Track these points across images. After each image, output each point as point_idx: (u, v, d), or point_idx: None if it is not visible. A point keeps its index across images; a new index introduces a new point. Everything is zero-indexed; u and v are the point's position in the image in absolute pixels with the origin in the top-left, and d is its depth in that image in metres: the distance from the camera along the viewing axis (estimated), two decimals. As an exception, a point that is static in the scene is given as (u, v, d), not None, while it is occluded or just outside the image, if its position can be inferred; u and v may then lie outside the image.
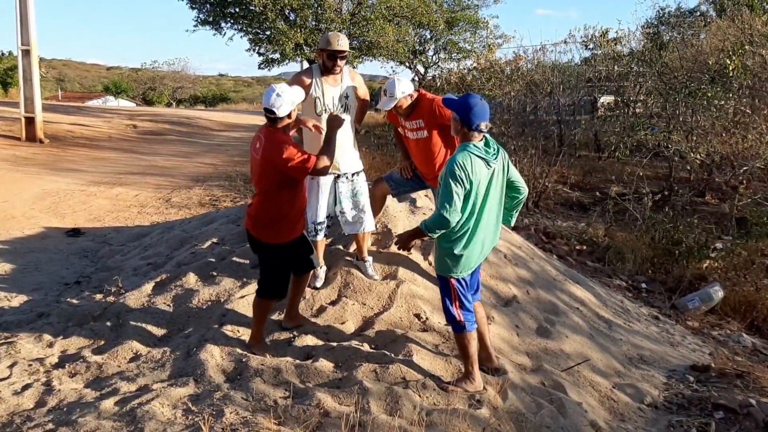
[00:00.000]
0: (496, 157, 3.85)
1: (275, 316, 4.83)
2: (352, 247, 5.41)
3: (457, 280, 3.93)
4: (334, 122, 4.32)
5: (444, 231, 3.79)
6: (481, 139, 3.83)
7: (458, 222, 3.79)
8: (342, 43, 4.74)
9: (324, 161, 4.12)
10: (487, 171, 3.81)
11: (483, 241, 3.94)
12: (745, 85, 11.96)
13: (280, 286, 4.40)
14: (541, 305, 5.58)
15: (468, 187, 3.73)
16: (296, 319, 4.70)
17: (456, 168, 3.70)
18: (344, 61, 4.84)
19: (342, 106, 4.90)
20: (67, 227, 8.48)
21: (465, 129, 3.80)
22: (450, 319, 4.00)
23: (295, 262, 4.50)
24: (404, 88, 4.84)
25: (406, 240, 4.07)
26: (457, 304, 3.94)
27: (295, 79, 4.84)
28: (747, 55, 12.01)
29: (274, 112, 4.07)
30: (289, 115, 4.15)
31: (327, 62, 4.78)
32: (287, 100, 4.08)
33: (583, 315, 5.79)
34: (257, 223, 4.28)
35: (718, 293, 7.42)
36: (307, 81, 4.80)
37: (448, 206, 3.69)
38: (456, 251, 3.85)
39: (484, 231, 3.91)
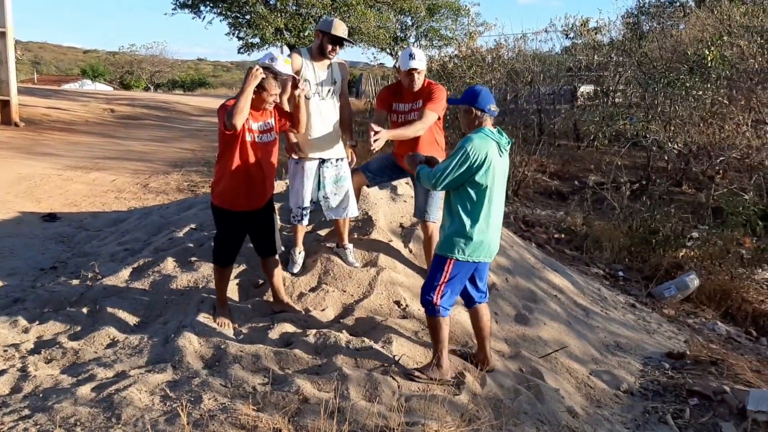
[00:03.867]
0: (509, 145, 3.96)
1: (265, 297, 4.83)
2: (332, 235, 5.39)
3: (456, 264, 3.89)
4: (253, 76, 4.14)
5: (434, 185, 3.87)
6: (494, 127, 3.94)
7: (474, 204, 3.82)
8: (345, 31, 4.82)
9: (236, 106, 4.07)
10: (499, 157, 3.87)
11: (494, 231, 3.94)
12: (723, 76, 12.03)
13: (224, 254, 4.51)
14: (520, 293, 5.61)
15: (481, 166, 3.75)
16: (279, 303, 4.70)
17: (469, 145, 3.76)
18: (341, 49, 4.91)
19: (329, 91, 4.91)
20: (43, 212, 8.36)
21: (477, 113, 3.90)
22: (426, 301, 3.96)
23: (254, 240, 4.63)
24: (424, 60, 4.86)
25: (410, 166, 4.31)
26: (442, 288, 3.90)
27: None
28: (725, 45, 12.09)
29: None
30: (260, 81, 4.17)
31: (325, 45, 4.80)
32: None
33: (560, 302, 5.84)
34: (212, 185, 4.48)
35: (693, 282, 7.52)
36: (298, 62, 4.80)
37: (444, 172, 3.78)
38: (468, 232, 3.83)
39: (495, 219, 3.92)
